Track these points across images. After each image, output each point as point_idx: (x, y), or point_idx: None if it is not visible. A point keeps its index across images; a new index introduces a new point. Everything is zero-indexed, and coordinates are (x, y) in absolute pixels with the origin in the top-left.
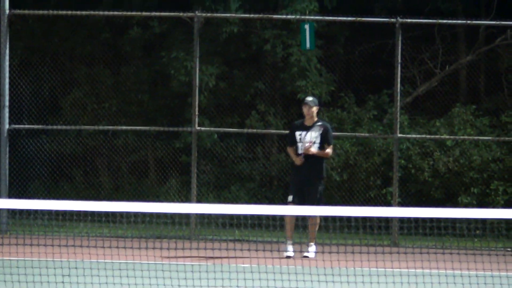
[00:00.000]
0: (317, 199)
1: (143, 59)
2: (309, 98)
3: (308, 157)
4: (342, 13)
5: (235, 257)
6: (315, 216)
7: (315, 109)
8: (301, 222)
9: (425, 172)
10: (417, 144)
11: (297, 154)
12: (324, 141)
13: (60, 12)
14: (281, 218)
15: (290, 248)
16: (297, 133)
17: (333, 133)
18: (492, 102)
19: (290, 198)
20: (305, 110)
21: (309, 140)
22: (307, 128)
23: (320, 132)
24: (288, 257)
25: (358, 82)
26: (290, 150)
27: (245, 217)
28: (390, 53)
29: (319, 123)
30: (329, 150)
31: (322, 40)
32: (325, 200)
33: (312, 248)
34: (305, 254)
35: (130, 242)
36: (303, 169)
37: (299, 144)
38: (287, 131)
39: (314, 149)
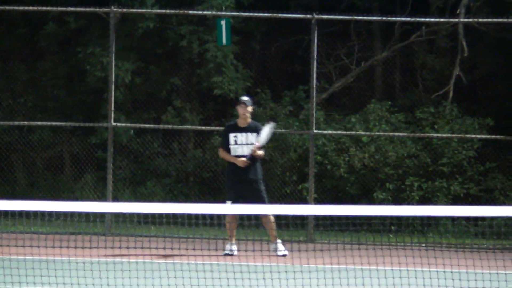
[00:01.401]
0: (264, 197)
1: (59, 54)
2: (245, 98)
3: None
4: (259, 9)
5: (150, 254)
6: (266, 215)
7: (250, 109)
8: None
9: (341, 168)
10: (333, 140)
11: (237, 156)
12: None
13: None
14: (196, 216)
15: (233, 247)
16: (232, 135)
17: None
18: (407, 98)
19: (228, 203)
20: (240, 110)
21: (260, 141)
22: (241, 130)
23: (265, 135)
24: (227, 254)
25: (274, 78)
26: (223, 153)
27: (161, 214)
28: (306, 49)
29: (257, 124)
30: (262, 152)
31: (238, 36)
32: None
33: (281, 245)
34: (280, 253)
35: (45, 240)
36: (242, 172)
37: (234, 147)
38: (203, 127)
39: (261, 152)
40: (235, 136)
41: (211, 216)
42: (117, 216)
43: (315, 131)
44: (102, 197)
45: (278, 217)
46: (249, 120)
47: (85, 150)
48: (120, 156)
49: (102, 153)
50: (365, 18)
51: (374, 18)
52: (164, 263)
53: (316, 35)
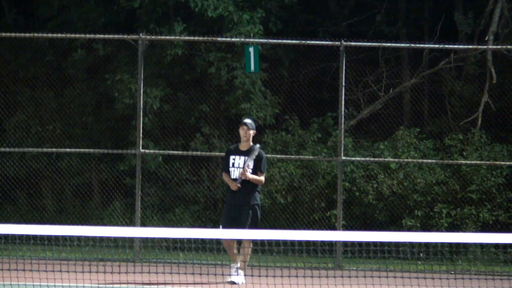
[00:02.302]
0: (247, 224)
1: (87, 81)
2: (248, 120)
3: (243, 183)
4: (287, 36)
5: (179, 281)
6: (247, 240)
7: (252, 133)
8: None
9: (369, 195)
10: (361, 167)
11: (233, 179)
12: (257, 168)
13: (3, 34)
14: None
15: (234, 272)
16: (231, 157)
17: (278, 156)
18: (435, 125)
19: (220, 228)
20: (242, 132)
21: (246, 164)
22: (242, 153)
23: (254, 158)
24: (233, 282)
25: (303, 105)
26: (225, 176)
27: (189, 240)
28: (334, 76)
29: (256, 149)
30: (262, 178)
31: (266, 63)
32: (259, 226)
33: (241, 273)
34: (232, 278)
35: (74, 265)
36: (237, 196)
37: (231, 169)
38: None
39: (249, 174)
40: (233, 159)
41: (239, 242)
42: (145, 242)
43: (343, 158)
44: (130, 224)
45: (306, 244)
46: (251, 143)
47: (113, 176)
48: (149, 183)
49: (131, 179)
50: (393, 45)
51: (403, 45)
52: None
53: (344, 62)
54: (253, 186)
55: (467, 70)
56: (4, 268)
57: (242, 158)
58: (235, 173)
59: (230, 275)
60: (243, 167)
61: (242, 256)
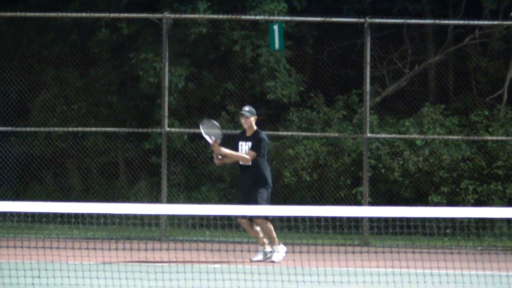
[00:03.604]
0: (258, 203)
1: (112, 60)
2: (246, 108)
3: (247, 166)
4: (311, 13)
5: (206, 258)
6: (257, 218)
7: (253, 119)
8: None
9: (395, 172)
10: (386, 144)
11: (240, 166)
12: (252, 148)
13: (28, 14)
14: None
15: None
16: (240, 143)
17: (303, 134)
18: (461, 102)
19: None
20: (242, 120)
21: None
22: (247, 139)
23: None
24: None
25: (327, 82)
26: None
27: (216, 217)
28: (359, 53)
29: (258, 134)
30: (244, 155)
31: (291, 40)
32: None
33: (275, 249)
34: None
35: (100, 243)
36: (244, 178)
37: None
38: None
39: (223, 149)
40: (241, 145)
41: (266, 218)
42: (171, 219)
43: (369, 135)
44: (156, 203)
45: (333, 220)
46: (255, 128)
47: (139, 155)
48: (174, 162)
49: (156, 158)
50: (418, 21)
51: (427, 21)
52: (220, 267)
53: (369, 39)
54: (256, 168)
55: (492, 46)
56: (31, 246)
57: (247, 143)
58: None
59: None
60: (214, 141)
61: (262, 234)
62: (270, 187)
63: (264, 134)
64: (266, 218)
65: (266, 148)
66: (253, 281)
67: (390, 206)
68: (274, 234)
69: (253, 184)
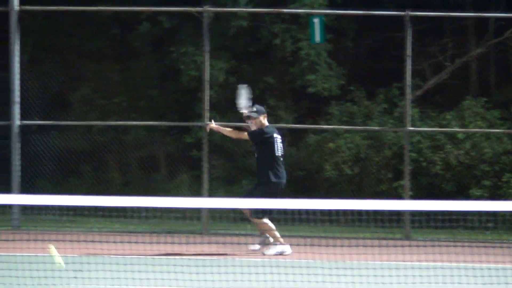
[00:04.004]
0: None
1: (153, 54)
2: (248, 111)
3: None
4: (351, 6)
5: (247, 252)
6: (245, 210)
7: (262, 118)
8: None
9: (436, 165)
10: (428, 137)
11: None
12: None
13: (69, 8)
14: (292, 212)
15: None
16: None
17: (344, 127)
18: (502, 95)
19: None
20: (249, 122)
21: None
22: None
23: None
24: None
25: (368, 76)
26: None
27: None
28: (400, 46)
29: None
30: (232, 132)
31: (331, 34)
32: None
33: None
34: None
35: (142, 237)
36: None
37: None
38: (297, 125)
39: (213, 124)
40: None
41: (307, 212)
42: (213, 212)
43: (409, 128)
44: (197, 196)
45: (374, 214)
46: (266, 124)
47: (179, 149)
48: (215, 155)
49: (197, 152)
50: (459, 14)
51: (468, 14)
52: (261, 261)
53: (410, 32)
54: (261, 167)
55: None
56: (73, 240)
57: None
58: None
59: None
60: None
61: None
62: (272, 183)
63: (268, 128)
64: (257, 216)
65: (261, 139)
66: (294, 275)
67: (431, 200)
68: (274, 233)
69: (258, 180)
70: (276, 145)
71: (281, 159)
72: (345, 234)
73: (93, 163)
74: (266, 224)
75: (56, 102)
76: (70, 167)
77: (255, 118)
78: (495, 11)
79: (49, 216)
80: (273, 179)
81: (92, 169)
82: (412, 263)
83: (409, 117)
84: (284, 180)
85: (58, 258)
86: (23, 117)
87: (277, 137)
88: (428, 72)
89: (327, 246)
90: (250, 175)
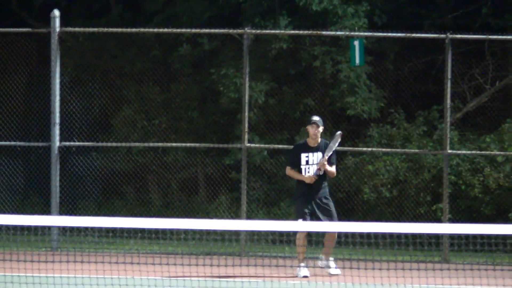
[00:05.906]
0: (334, 213)
1: (193, 76)
2: (316, 118)
3: (318, 175)
4: (392, 28)
5: (285, 274)
6: (334, 232)
7: (321, 129)
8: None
9: (475, 188)
10: (467, 160)
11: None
12: (330, 160)
13: (110, 30)
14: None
15: (305, 270)
16: (303, 155)
17: (383, 149)
18: None
19: (300, 221)
20: (311, 130)
21: (326, 154)
22: (312, 149)
23: (337, 145)
24: (305, 276)
25: (408, 98)
26: (291, 171)
27: (295, 233)
28: (440, 69)
29: (326, 142)
30: (333, 170)
31: (371, 56)
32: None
33: (334, 263)
34: (332, 271)
35: (181, 258)
36: (313, 190)
37: (306, 167)
38: (336, 147)
39: (328, 166)
40: (307, 156)
41: (345, 235)
42: (251, 235)
43: (449, 151)
44: (236, 218)
45: (412, 237)
46: (319, 139)
47: (219, 171)
48: (254, 177)
49: (236, 174)
50: (500, 37)
51: (509, 37)
52: (299, 283)
53: (450, 54)
54: (325, 179)
55: None
56: (112, 262)
57: (316, 154)
58: (309, 170)
59: (300, 273)
60: (323, 156)
61: (329, 247)
62: (296, 197)
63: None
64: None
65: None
66: None
67: (470, 223)
68: (299, 249)
69: (324, 195)
70: None
71: None
72: (384, 257)
73: (134, 184)
74: (298, 240)
75: (97, 124)
76: (111, 188)
77: (319, 126)
78: None
79: (88, 238)
80: (297, 192)
81: (133, 190)
82: (451, 286)
83: (448, 139)
84: None
85: None
86: (64, 138)
87: None
88: (468, 95)
89: (365, 269)
90: (288, 197)
